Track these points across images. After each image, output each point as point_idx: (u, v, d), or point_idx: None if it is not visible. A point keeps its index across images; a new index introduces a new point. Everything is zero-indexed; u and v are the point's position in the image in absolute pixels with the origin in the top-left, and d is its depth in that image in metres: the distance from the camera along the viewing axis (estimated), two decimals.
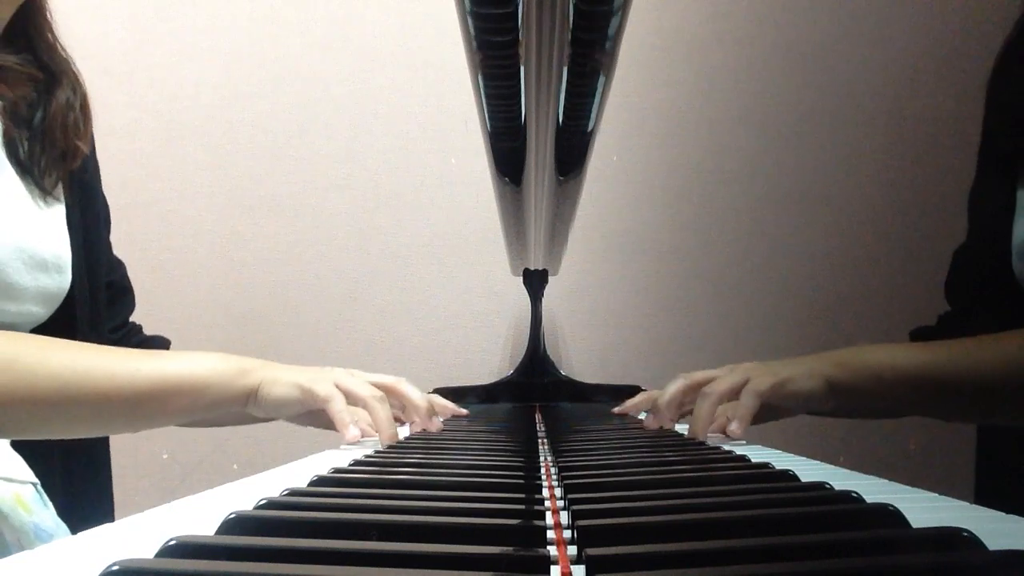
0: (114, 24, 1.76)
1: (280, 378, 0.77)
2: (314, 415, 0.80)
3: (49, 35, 0.84)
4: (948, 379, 0.73)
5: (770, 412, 0.79)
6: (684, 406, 0.84)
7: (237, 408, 0.77)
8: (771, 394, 0.75)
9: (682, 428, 0.89)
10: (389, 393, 0.82)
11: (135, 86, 1.76)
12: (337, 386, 0.77)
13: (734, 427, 0.74)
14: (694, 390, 0.81)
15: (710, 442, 0.72)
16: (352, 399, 0.78)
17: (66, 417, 0.68)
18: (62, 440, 0.82)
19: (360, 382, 0.80)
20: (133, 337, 0.98)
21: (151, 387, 0.70)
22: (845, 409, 0.80)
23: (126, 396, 0.69)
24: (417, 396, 0.84)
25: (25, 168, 0.78)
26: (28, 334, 0.71)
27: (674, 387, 0.84)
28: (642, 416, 1.07)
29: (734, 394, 0.78)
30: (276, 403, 0.77)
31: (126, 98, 1.75)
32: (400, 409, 0.86)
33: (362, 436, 0.81)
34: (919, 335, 0.99)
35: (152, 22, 1.77)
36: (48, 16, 0.84)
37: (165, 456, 1.70)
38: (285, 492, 0.43)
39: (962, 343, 0.75)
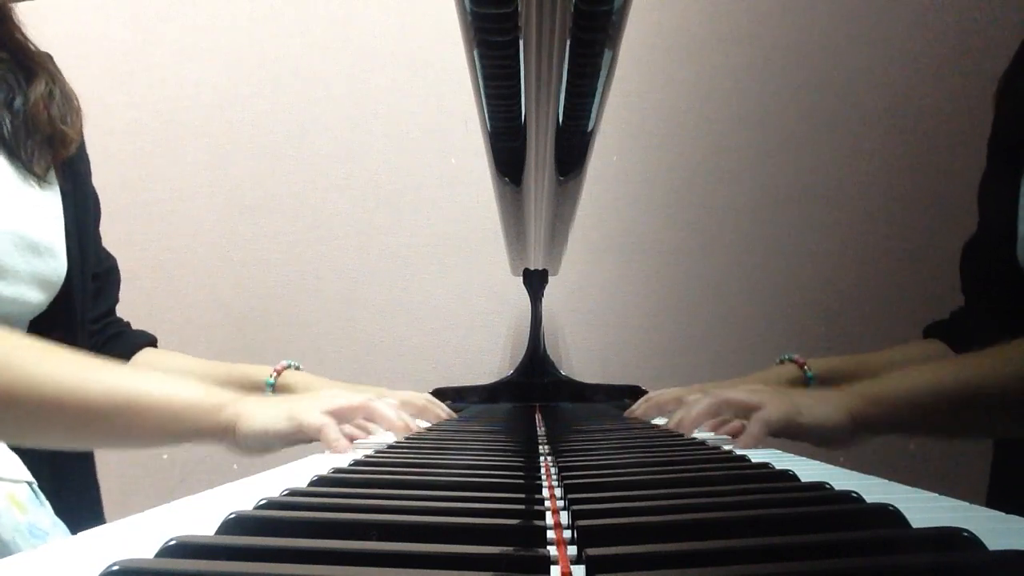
0: (114, 24, 1.75)
1: (259, 412, 0.72)
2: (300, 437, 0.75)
3: (19, 35, 0.87)
4: (982, 397, 0.70)
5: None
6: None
7: (212, 442, 0.72)
8: (782, 426, 0.72)
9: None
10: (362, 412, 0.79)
11: (135, 86, 1.76)
12: (324, 411, 0.73)
13: (739, 441, 0.73)
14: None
15: (710, 442, 0.72)
16: (345, 414, 0.75)
17: (25, 421, 0.65)
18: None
19: (346, 395, 0.77)
20: (110, 329, 0.98)
21: (121, 403, 0.66)
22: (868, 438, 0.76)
23: (93, 408, 0.65)
24: (393, 415, 0.79)
25: (10, 149, 0.80)
26: None
27: (699, 409, 0.79)
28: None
29: (743, 410, 0.76)
30: (260, 437, 0.71)
31: (126, 98, 1.75)
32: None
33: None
34: (933, 330, 0.98)
35: (152, 22, 1.77)
36: (15, 19, 0.87)
37: (165, 456, 1.70)
38: (285, 492, 0.43)
39: (992, 354, 0.72)
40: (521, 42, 0.50)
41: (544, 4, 0.46)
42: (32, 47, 0.88)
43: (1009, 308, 0.82)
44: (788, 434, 0.73)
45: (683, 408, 0.82)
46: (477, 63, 0.53)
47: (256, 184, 1.77)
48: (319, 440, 0.72)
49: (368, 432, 0.84)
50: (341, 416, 0.75)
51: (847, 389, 0.76)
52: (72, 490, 0.85)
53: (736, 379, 0.94)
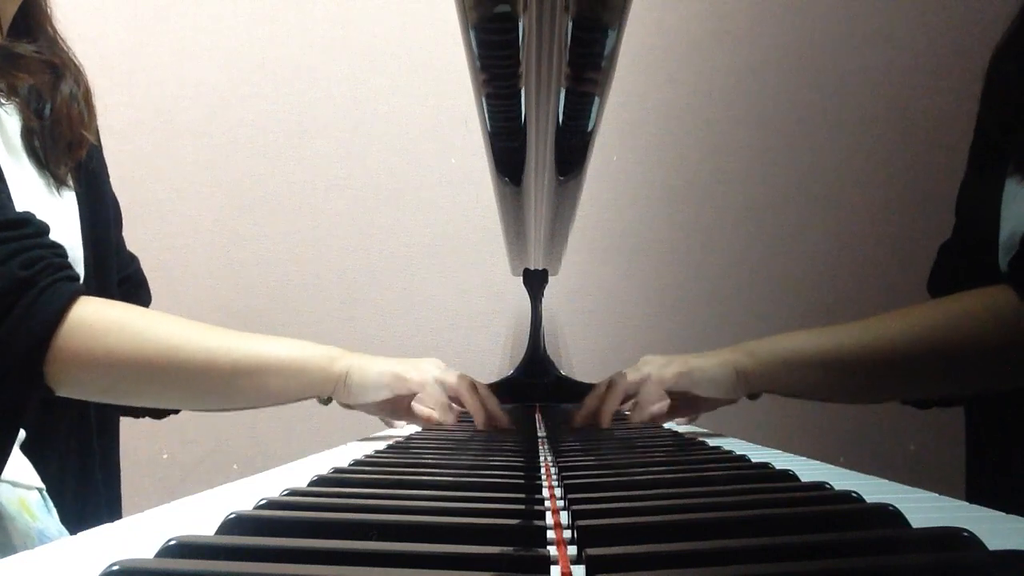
0: (114, 24, 1.75)
1: (369, 365, 0.79)
2: (395, 406, 0.82)
3: (50, 28, 0.85)
4: (852, 359, 0.75)
5: (690, 403, 0.84)
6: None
7: (326, 393, 0.79)
8: (675, 383, 0.80)
9: (677, 427, 0.89)
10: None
11: (135, 86, 1.76)
12: (433, 377, 0.81)
13: (630, 413, 0.81)
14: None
15: (710, 442, 0.72)
16: (450, 389, 0.82)
17: (166, 384, 0.72)
18: (79, 441, 0.82)
19: (453, 373, 0.84)
20: None
21: (248, 364, 0.73)
22: (762, 392, 0.83)
23: (224, 370, 0.72)
24: (482, 411, 0.86)
25: (39, 159, 0.79)
26: (127, 304, 0.75)
27: (590, 400, 0.88)
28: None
29: (637, 387, 0.83)
30: (367, 388, 0.79)
31: (126, 98, 1.74)
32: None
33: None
34: None
35: (152, 22, 1.77)
36: (48, 10, 0.85)
37: (165, 456, 1.70)
38: (285, 492, 0.43)
39: (868, 322, 0.77)
40: (521, 42, 0.50)
41: (544, 4, 0.46)
42: (62, 42, 0.86)
43: None
44: (682, 388, 0.80)
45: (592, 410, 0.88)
46: (477, 63, 0.53)
47: (256, 184, 1.77)
48: (417, 399, 0.80)
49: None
50: (446, 388, 0.82)
51: (736, 345, 0.83)
52: (97, 495, 0.84)
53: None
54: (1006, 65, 0.84)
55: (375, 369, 0.79)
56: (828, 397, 0.83)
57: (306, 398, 0.79)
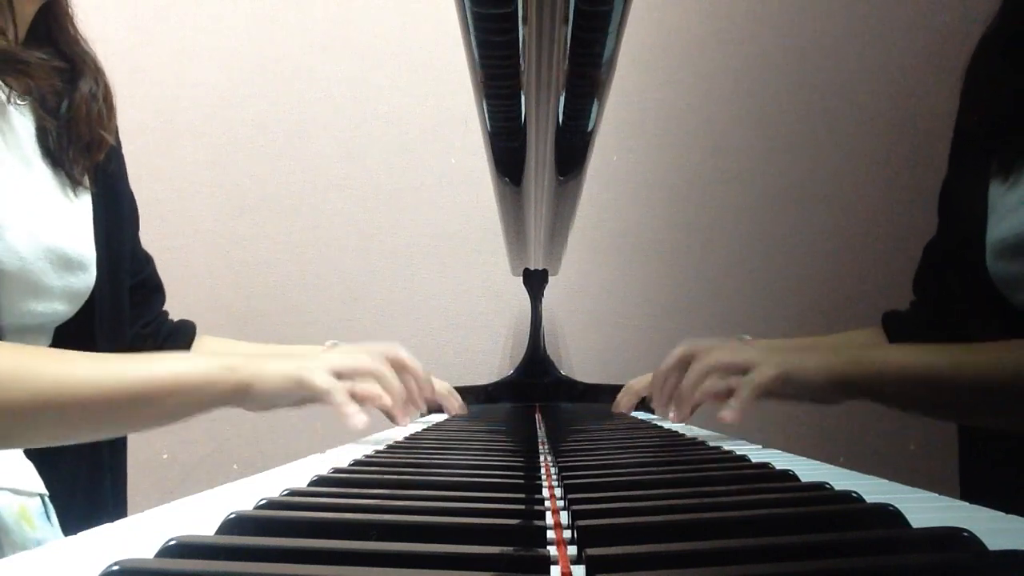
0: (114, 24, 1.75)
1: (270, 373, 0.74)
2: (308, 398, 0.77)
3: (71, 29, 0.85)
4: (963, 383, 0.70)
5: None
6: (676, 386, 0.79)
7: (231, 405, 0.75)
8: (774, 388, 0.72)
9: (677, 427, 0.89)
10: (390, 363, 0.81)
11: (135, 86, 1.76)
12: (333, 371, 0.75)
13: (725, 413, 0.71)
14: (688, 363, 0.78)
15: (710, 442, 0.72)
16: (354, 375, 0.76)
17: (52, 424, 0.67)
18: (90, 446, 0.81)
19: (356, 356, 0.78)
20: (163, 327, 0.99)
21: (140, 390, 0.69)
22: (847, 399, 0.77)
23: (113, 400, 0.67)
24: (415, 363, 0.85)
25: (56, 159, 0.78)
26: (8, 344, 0.68)
27: (670, 358, 0.79)
28: (640, 415, 1.06)
29: (733, 371, 0.75)
30: (271, 397, 0.74)
31: (126, 98, 1.74)
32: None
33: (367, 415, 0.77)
34: (892, 318, 0.99)
35: (152, 22, 1.77)
36: (70, 11, 0.85)
37: (165, 456, 1.70)
38: (285, 492, 0.43)
39: (980, 348, 0.73)
40: (521, 42, 0.50)
41: (544, 3, 0.46)
42: (83, 43, 0.86)
43: (975, 315, 0.82)
44: (778, 392, 0.72)
45: (665, 388, 0.80)
46: (477, 63, 0.53)
47: (256, 184, 1.77)
48: (325, 401, 0.73)
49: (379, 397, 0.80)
50: (349, 376, 0.76)
51: (834, 348, 0.77)
52: (105, 502, 0.84)
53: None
54: (985, 63, 0.84)
55: (276, 375, 0.74)
56: (921, 413, 0.78)
57: (211, 409, 0.74)
